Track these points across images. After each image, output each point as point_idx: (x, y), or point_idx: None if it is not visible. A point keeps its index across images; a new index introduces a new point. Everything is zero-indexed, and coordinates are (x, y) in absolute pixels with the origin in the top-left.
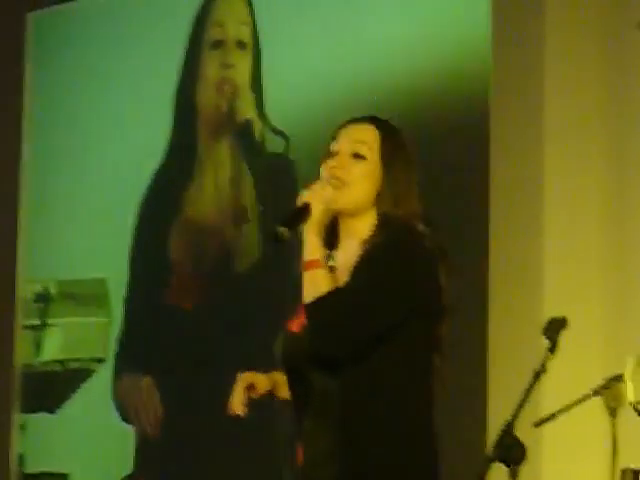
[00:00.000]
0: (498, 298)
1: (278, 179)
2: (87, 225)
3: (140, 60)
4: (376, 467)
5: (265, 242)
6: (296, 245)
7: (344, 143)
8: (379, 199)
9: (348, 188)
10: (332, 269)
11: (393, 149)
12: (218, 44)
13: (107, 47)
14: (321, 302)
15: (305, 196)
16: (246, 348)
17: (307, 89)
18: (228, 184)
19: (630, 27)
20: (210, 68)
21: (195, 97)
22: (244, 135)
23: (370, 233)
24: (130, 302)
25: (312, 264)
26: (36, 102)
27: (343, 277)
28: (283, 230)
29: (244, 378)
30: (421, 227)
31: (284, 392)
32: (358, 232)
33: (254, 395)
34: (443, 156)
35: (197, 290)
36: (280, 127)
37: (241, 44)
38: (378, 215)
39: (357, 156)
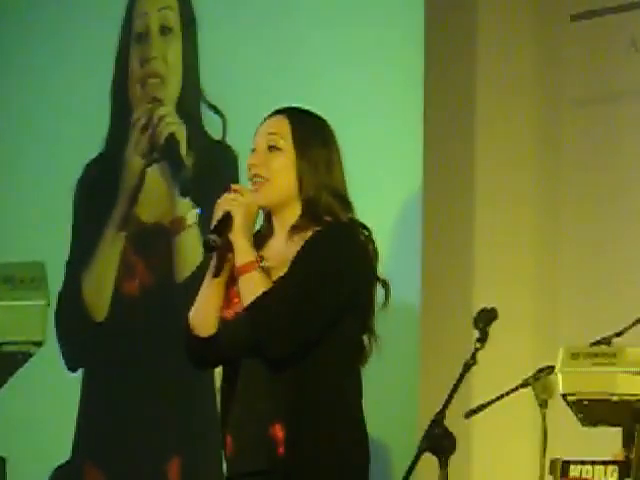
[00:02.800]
0: (429, 289)
1: (218, 170)
2: (25, 209)
3: (75, 54)
4: (307, 456)
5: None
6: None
7: (260, 138)
8: (302, 187)
9: (269, 183)
10: (265, 270)
11: (307, 135)
12: (141, 37)
13: (42, 38)
14: (263, 303)
15: (223, 204)
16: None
17: (244, 73)
18: (165, 181)
19: (563, 21)
20: (134, 62)
21: (128, 92)
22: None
23: (296, 223)
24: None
25: (246, 268)
26: None
27: (278, 272)
28: (214, 238)
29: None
30: (347, 215)
31: None
32: (286, 224)
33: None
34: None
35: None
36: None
37: (165, 29)
38: (302, 203)
39: (272, 148)
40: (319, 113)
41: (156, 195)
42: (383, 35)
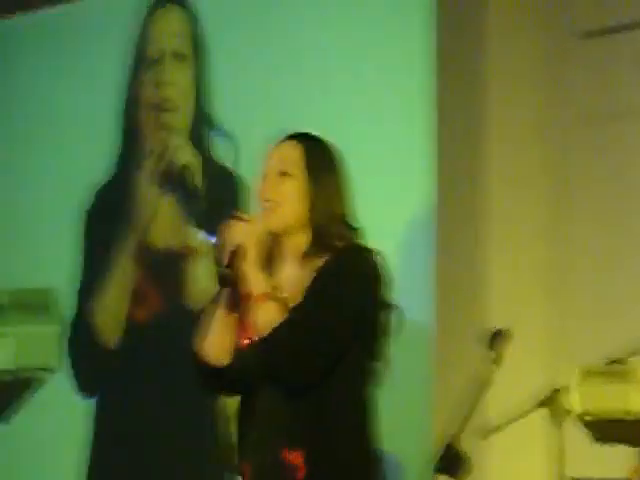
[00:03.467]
0: (444, 309)
1: (229, 199)
2: (35, 236)
3: (81, 79)
4: (329, 473)
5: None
6: None
7: (271, 164)
8: (312, 214)
9: (280, 207)
10: (282, 299)
11: (319, 162)
12: (154, 62)
13: (47, 64)
14: (279, 334)
15: (234, 236)
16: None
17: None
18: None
19: (571, 36)
20: (147, 87)
21: (139, 117)
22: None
23: (307, 250)
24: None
25: (262, 298)
26: None
27: (291, 300)
28: (229, 272)
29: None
30: (365, 246)
31: None
32: (296, 250)
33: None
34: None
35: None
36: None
37: (179, 55)
38: (313, 230)
39: (283, 174)
40: (329, 129)
41: (169, 223)
42: (394, 46)
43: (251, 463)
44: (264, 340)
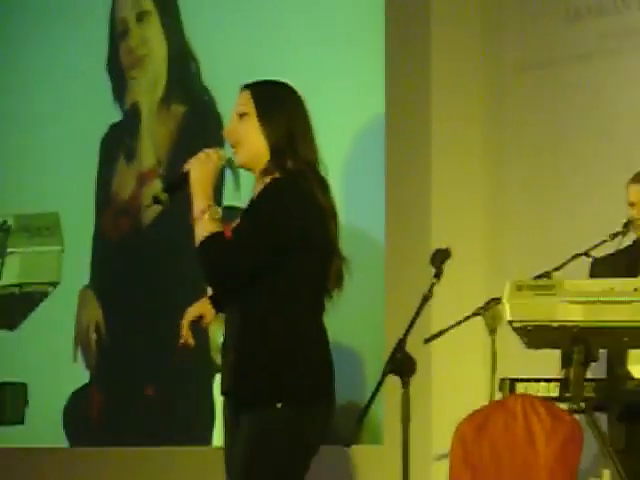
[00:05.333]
0: (394, 230)
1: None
2: (40, 165)
3: (75, 44)
4: (247, 381)
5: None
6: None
7: (233, 110)
8: (269, 142)
9: (241, 146)
10: (217, 218)
11: (269, 101)
12: (122, 33)
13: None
14: (205, 243)
15: (187, 164)
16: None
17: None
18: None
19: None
20: (124, 57)
21: (126, 77)
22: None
23: (264, 167)
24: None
25: (198, 215)
26: None
27: None
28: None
29: (191, 312)
30: (302, 173)
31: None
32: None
33: (204, 325)
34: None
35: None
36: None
37: (141, 15)
38: (270, 157)
39: (241, 115)
40: (295, 77)
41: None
42: (349, 17)
43: (222, 363)
44: (196, 250)
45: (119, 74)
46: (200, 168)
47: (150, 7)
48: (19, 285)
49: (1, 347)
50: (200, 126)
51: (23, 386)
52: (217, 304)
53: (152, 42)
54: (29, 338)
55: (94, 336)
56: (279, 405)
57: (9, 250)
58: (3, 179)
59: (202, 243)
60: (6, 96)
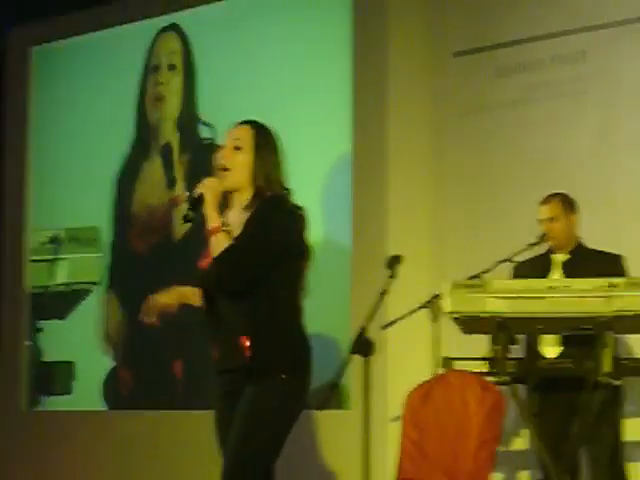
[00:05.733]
0: (359, 238)
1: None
2: (83, 190)
3: (107, 86)
4: (263, 358)
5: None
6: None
7: (228, 140)
8: (254, 178)
9: (231, 173)
10: (228, 232)
11: (263, 141)
12: (155, 68)
13: (89, 77)
14: (223, 255)
15: (199, 188)
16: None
17: (230, 99)
18: (163, 174)
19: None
20: (150, 85)
21: (145, 107)
22: (181, 130)
23: (248, 202)
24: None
25: (214, 230)
26: (40, 110)
27: (234, 234)
28: (189, 213)
29: (163, 301)
30: (286, 195)
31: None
32: (241, 202)
33: (170, 309)
34: None
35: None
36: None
37: (172, 67)
38: (254, 189)
39: (237, 148)
40: (273, 114)
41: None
42: (319, 50)
43: (219, 346)
44: (214, 259)
45: (144, 113)
46: (210, 191)
47: (179, 65)
48: (68, 284)
49: (53, 333)
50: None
51: (70, 364)
52: (208, 299)
53: (173, 88)
54: (75, 326)
55: (117, 331)
56: (284, 376)
57: (61, 256)
58: (57, 201)
59: (221, 254)
60: (58, 136)
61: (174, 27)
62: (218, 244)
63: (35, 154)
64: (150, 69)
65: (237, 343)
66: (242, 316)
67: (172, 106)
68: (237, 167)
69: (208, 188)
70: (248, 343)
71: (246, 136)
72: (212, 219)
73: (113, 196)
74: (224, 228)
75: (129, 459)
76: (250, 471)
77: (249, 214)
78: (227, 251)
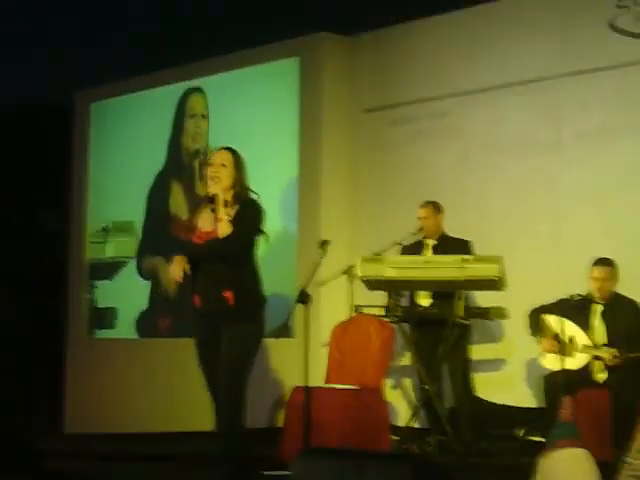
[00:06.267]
0: (302, 231)
1: None
2: (126, 194)
3: (152, 137)
4: (240, 304)
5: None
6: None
7: (216, 159)
8: (234, 185)
9: (220, 181)
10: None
11: (239, 162)
12: (193, 115)
13: (133, 126)
14: (234, 238)
15: (211, 190)
16: None
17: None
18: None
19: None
20: (190, 126)
21: (181, 141)
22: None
23: (230, 201)
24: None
25: (222, 219)
26: (97, 149)
27: (221, 227)
28: (211, 206)
29: (179, 259)
30: (257, 199)
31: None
32: (223, 200)
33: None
34: None
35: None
36: None
37: (204, 116)
38: (233, 193)
39: (222, 165)
40: (248, 149)
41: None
42: (279, 107)
43: (201, 296)
44: (225, 239)
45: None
46: (219, 192)
47: (206, 113)
48: (113, 257)
49: (104, 289)
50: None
51: (114, 309)
52: (193, 264)
53: (204, 130)
54: (118, 284)
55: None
56: (260, 317)
57: (109, 240)
58: (107, 204)
59: (228, 236)
60: (111, 164)
61: (199, 89)
62: (222, 229)
63: (93, 176)
64: (188, 116)
65: (222, 294)
66: (227, 277)
67: (205, 145)
68: (223, 178)
69: (217, 189)
70: (231, 295)
71: (228, 157)
72: (220, 211)
73: (146, 202)
74: (228, 218)
75: (154, 375)
76: (243, 381)
77: (233, 210)
78: (236, 235)
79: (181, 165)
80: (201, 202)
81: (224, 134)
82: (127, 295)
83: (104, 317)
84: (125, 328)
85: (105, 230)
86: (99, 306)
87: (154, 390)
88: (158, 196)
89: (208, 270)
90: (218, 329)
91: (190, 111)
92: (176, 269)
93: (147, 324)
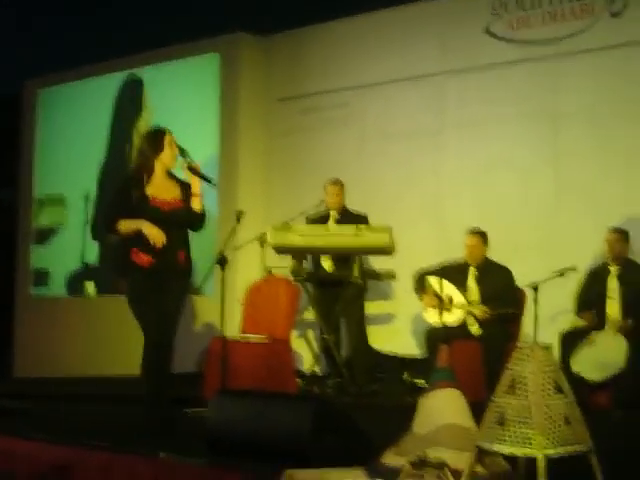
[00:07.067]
0: (221, 207)
1: None
2: (69, 170)
3: (95, 120)
4: (186, 264)
5: None
6: None
7: (172, 138)
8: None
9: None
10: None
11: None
12: (139, 103)
13: (82, 112)
14: (202, 212)
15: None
16: None
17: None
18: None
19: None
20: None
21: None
22: None
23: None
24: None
25: (195, 194)
26: (45, 131)
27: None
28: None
29: (159, 234)
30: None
31: None
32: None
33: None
34: None
35: None
36: None
37: (143, 104)
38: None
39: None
40: (180, 133)
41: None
42: (204, 96)
43: (152, 257)
44: (198, 212)
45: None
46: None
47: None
48: (50, 223)
49: (42, 252)
50: None
51: (48, 272)
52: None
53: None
54: (54, 248)
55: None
56: (190, 277)
57: (47, 208)
58: (51, 176)
59: (201, 211)
60: (57, 145)
61: (139, 79)
62: (200, 205)
63: (41, 154)
64: (133, 103)
65: (177, 255)
66: (181, 240)
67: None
68: (174, 157)
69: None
70: (184, 254)
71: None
72: (197, 186)
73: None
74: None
75: (89, 327)
76: (176, 331)
77: (178, 183)
78: (200, 208)
79: (125, 144)
80: (150, 174)
81: (157, 119)
82: (62, 256)
83: (42, 277)
84: (58, 288)
85: (41, 202)
86: (38, 267)
87: (91, 340)
88: (112, 168)
89: (167, 233)
90: (161, 285)
91: (137, 99)
92: (160, 234)
93: (106, 282)
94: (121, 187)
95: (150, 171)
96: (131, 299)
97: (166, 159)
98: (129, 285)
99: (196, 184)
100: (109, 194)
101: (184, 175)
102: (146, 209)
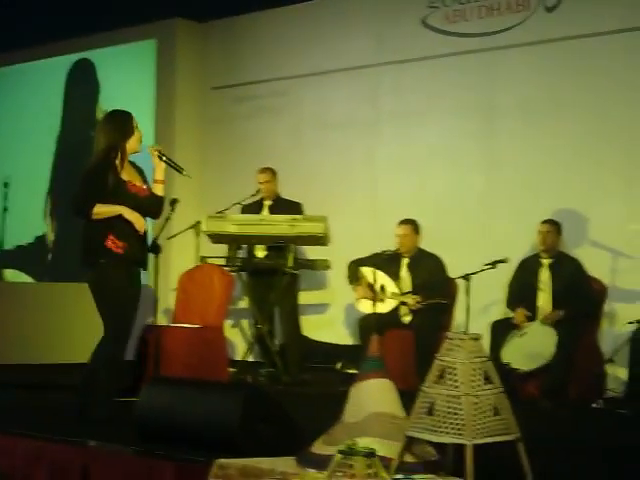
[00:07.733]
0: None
1: None
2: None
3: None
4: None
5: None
6: None
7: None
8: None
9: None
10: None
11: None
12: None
13: (26, 92)
14: (163, 198)
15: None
16: None
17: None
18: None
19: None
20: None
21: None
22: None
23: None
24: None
25: (160, 181)
26: None
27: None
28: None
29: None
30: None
31: None
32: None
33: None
34: None
35: None
36: None
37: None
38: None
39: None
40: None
41: None
42: (139, 82)
43: (127, 244)
44: (161, 198)
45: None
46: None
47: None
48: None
49: None
50: None
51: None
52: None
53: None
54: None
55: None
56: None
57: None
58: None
59: (162, 197)
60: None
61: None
62: (162, 192)
63: None
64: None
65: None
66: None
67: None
68: (141, 141)
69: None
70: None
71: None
72: (161, 173)
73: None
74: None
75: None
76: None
77: (135, 168)
78: (163, 195)
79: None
80: (124, 158)
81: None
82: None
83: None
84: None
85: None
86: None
87: (47, 327)
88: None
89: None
90: (133, 274)
91: (92, 80)
92: (142, 220)
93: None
94: (93, 170)
95: (124, 155)
96: (106, 287)
97: (134, 143)
98: (103, 272)
99: (160, 170)
100: (71, 178)
101: (152, 161)
102: (126, 195)
